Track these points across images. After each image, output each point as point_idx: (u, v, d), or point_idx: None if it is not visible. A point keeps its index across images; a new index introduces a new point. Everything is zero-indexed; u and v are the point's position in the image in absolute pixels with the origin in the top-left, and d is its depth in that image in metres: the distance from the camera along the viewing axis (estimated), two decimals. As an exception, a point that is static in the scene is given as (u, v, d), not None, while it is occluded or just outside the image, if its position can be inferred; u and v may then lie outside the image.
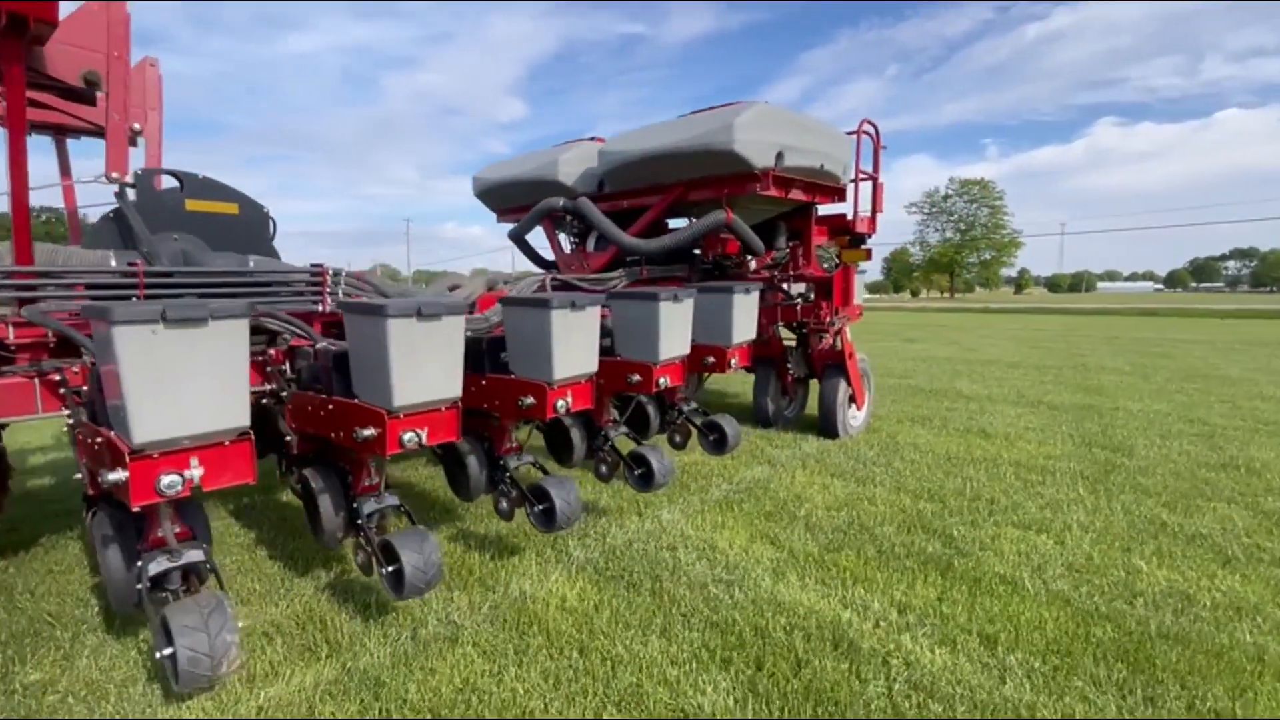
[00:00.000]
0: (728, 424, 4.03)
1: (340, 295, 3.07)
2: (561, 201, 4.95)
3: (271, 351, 3.00)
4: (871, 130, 5.89)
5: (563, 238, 5.73)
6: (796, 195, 4.84)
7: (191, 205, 2.86)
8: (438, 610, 2.81)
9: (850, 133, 5.62)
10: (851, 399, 5.84)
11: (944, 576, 3.10)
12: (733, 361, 3.86)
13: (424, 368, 2.37)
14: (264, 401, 3.08)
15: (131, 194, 2.74)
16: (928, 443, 5.61)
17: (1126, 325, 22.29)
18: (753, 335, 3.99)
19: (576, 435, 3.89)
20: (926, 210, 71.52)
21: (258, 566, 3.30)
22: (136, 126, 3.05)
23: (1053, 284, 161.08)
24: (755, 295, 3.95)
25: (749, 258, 6.22)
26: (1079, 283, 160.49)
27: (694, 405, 4.28)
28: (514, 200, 5.86)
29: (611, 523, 3.80)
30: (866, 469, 4.86)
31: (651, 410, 4.29)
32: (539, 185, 5.42)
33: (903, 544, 3.48)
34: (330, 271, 3.04)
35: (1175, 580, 3.06)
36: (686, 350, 3.60)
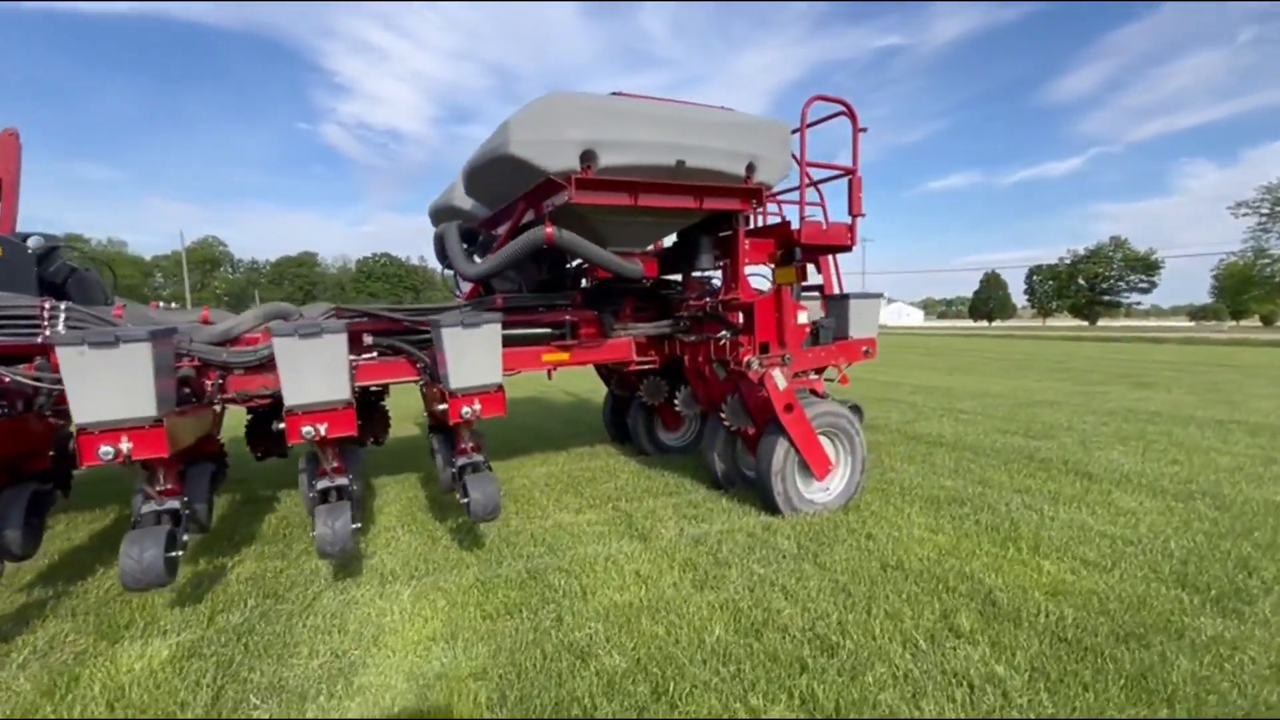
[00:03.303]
0: (478, 486, 3.30)
1: (60, 328, 3.24)
2: (444, 227, 4.67)
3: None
4: (843, 109, 4.48)
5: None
6: (656, 202, 3.81)
7: None
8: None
9: (812, 124, 4.32)
10: (803, 465, 4.39)
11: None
12: (465, 411, 3.13)
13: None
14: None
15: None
16: (898, 541, 3.91)
17: None
18: (495, 379, 3.20)
19: (440, 460, 3.94)
20: (1267, 210, 53.19)
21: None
22: None
23: None
24: (487, 330, 3.16)
25: (708, 279, 5.21)
26: None
27: (475, 458, 3.61)
28: (448, 227, 5.73)
29: (325, 593, 3.32)
30: (740, 567, 3.55)
31: (440, 459, 3.73)
32: (448, 211, 5.22)
33: (571, 690, 2.40)
34: (48, 306, 3.22)
35: None
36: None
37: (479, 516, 3.26)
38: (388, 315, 3.93)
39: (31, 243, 3.79)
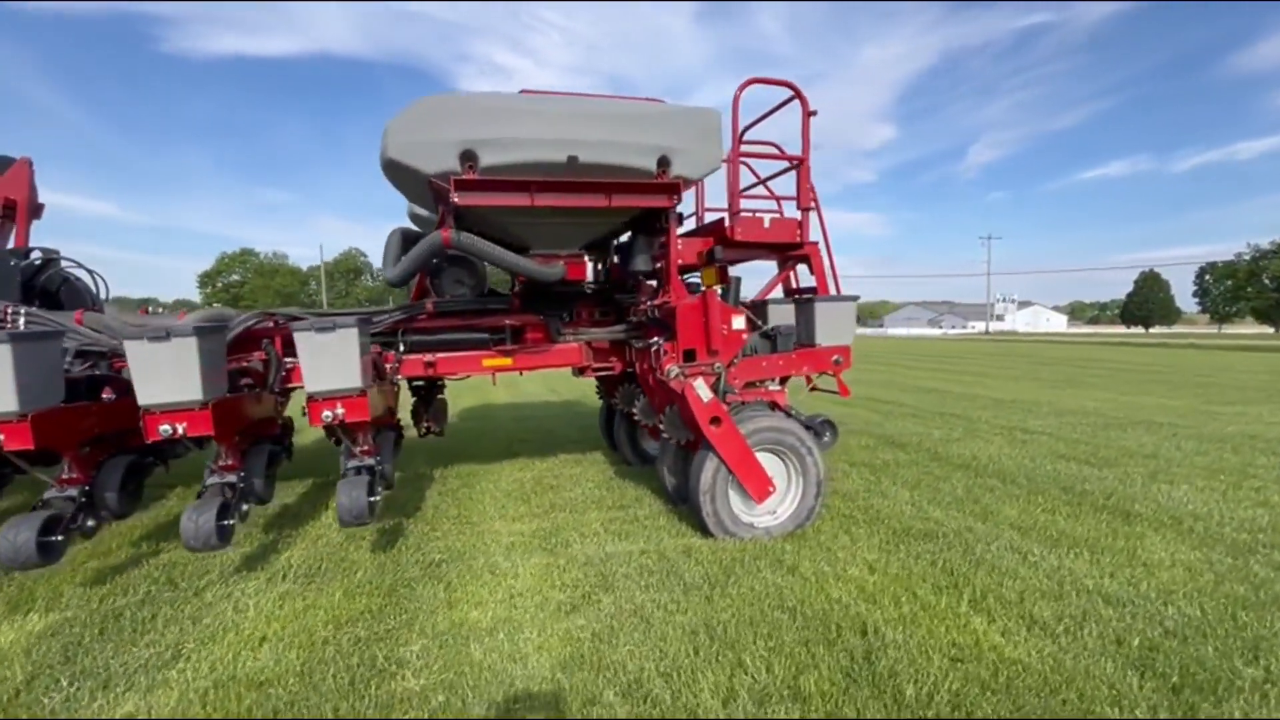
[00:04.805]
0: (345, 491, 3.30)
1: (21, 327, 3.66)
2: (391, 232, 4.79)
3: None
4: (791, 93, 4.05)
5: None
6: (557, 201, 3.62)
7: None
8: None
9: (764, 118, 3.94)
10: (738, 485, 3.99)
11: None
12: (326, 414, 3.14)
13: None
14: None
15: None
16: (821, 578, 3.44)
17: None
18: (352, 383, 3.17)
19: (342, 460, 3.83)
20: None
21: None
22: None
23: None
24: (341, 334, 3.12)
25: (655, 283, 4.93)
26: None
27: (365, 461, 3.62)
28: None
29: (214, 585, 3.47)
30: (622, 593, 3.28)
31: (342, 459, 3.78)
32: (411, 216, 5.35)
33: (335, 709, 2.30)
34: (10, 309, 3.66)
35: None
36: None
37: (345, 521, 3.27)
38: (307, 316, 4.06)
39: (33, 256, 4.36)
